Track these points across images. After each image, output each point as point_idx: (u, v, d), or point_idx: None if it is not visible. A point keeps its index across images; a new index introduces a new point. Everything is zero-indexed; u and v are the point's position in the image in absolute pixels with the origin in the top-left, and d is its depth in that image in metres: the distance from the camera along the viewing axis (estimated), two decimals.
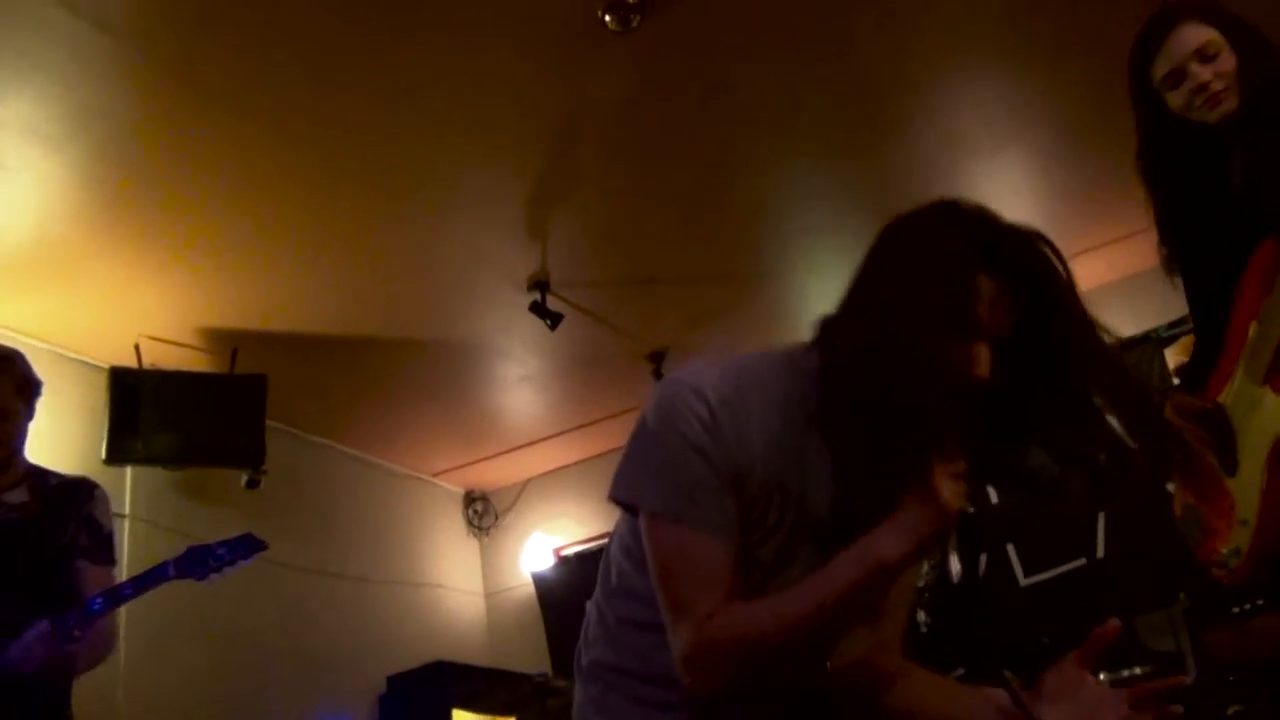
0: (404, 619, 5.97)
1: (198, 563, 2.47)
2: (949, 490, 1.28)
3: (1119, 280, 5.58)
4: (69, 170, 3.69)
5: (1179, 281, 2.36)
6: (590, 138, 4.02)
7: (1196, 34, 2.15)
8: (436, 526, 6.48)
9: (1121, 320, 5.52)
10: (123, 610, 4.41)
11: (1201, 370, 2.28)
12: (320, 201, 4.06)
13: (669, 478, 1.35)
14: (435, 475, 6.60)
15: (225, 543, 2.46)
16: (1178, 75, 2.17)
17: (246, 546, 2.44)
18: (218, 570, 2.47)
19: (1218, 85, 2.13)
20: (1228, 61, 2.13)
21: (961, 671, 4.56)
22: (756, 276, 5.17)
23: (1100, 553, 4.87)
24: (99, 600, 2.45)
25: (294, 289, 4.57)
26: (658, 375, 5.60)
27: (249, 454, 4.97)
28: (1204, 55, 2.14)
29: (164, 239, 4.14)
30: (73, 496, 2.68)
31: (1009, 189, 4.78)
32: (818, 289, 5.42)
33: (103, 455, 4.49)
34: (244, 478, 5.06)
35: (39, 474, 2.73)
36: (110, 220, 3.97)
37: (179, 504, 4.96)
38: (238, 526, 5.12)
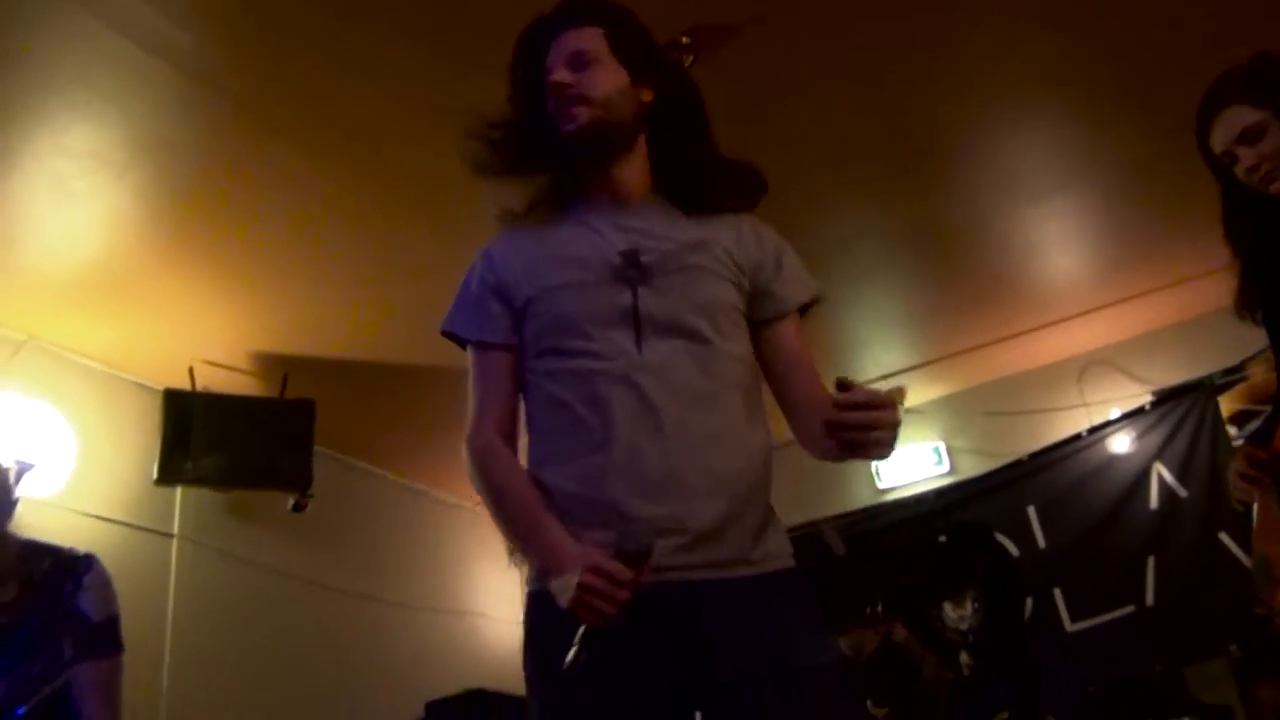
0: (444, 646, 5.99)
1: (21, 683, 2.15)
2: (573, 594, 1.46)
3: (1172, 325, 5.52)
4: (133, 198, 3.78)
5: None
6: None
7: (1241, 117, 2.17)
8: (479, 555, 6.49)
9: (1175, 366, 5.52)
10: (167, 632, 4.51)
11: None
12: (375, 232, 4.12)
13: (460, 307, 1.82)
14: (479, 504, 6.60)
15: (37, 660, 2.16)
16: (1230, 156, 2.21)
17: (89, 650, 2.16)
18: (36, 692, 2.12)
19: (1267, 166, 2.15)
20: (1274, 140, 2.14)
21: (1005, 716, 4.50)
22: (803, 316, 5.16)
23: (1150, 600, 4.78)
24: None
25: (346, 316, 4.63)
26: None
27: (296, 478, 5.02)
28: (1249, 137, 2.16)
29: (221, 265, 4.22)
30: (58, 588, 2.38)
31: (1061, 233, 4.75)
32: (863, 329, 5.41)
33: (154, 476, 4.57)
34: (291, 501, 5.11)
35: (33, 555, 2.45)
36: (170, 246, 4.06)
37: (227, 525, 5.03)
38: (283, 548, 5.23)
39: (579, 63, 1.75)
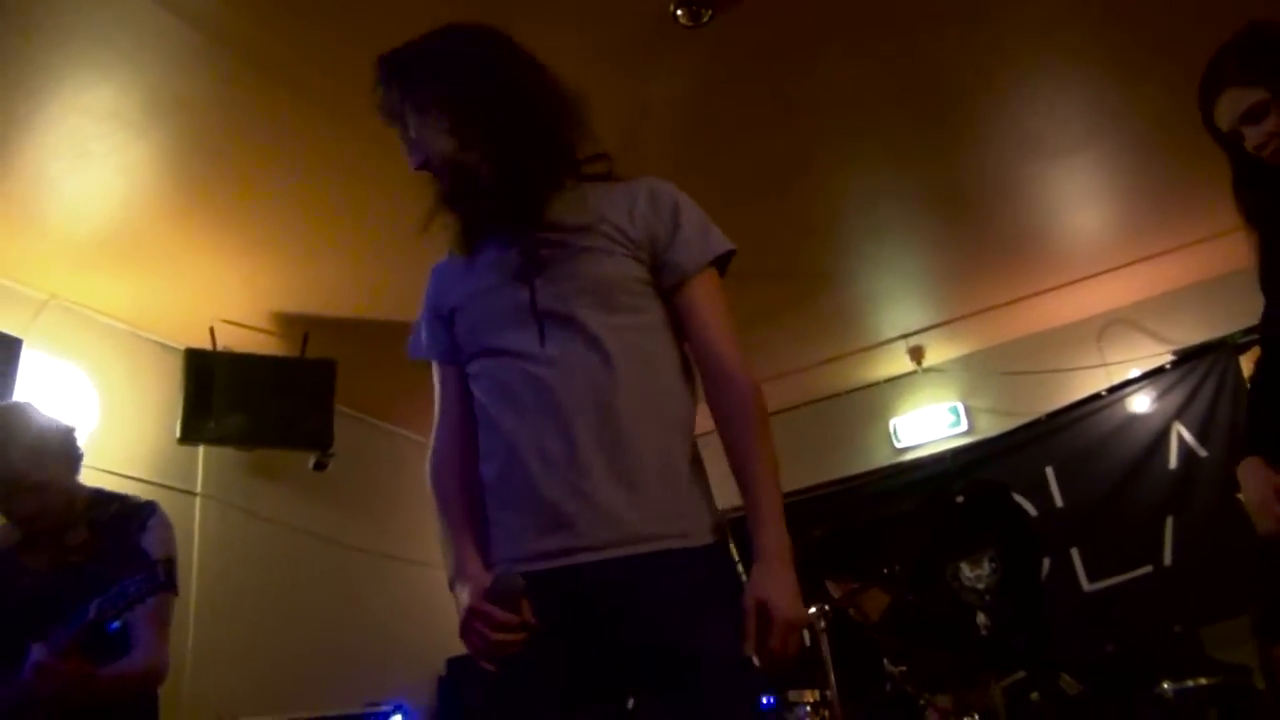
0: None
1: (117, 598, 2.26)
2: (460, 624, 1.72)
3: (1194, 285, 5.49)
4: (152, 158, 3.79)
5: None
6: (657, 133, 4.03)
7: (1242, 99, 2.17)
8: None
9: (1196, 325, 5.50)
10: (192, 588, 4.57)
11: None
12: (396, 192, 4.11)
13: (414, 329, 1.98)
14: None
15: (137, 578, 2.25)
16: (1236, 135, 2.21)
17: (154, 581, 2.23)
18: (129, 609, 2.26)
19: (1275, 143, 2.16)
20: (1278, 117, 2.14)
21: (1022, 675, 4.52)
22: (819, 276, 5.16)
23: (1168, 560, 4.78)
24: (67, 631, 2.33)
25: (366, 276, 4.65)
26: None
27: (317, 437, 5.07)
28: (1252, 117, 2.17)
29: (240, 225, 4.24)
30: (124, 529, 2.62)
31: (1083, 191, 4.70)
32: (883, 288, 5.40)
33: (177, 435, 4.62)
34: (312, 460, 5.16)
35: (101, 502, 2.69)
36: (190, 206, 4.07)
37: (249, 483, 5.08)
38: (305, 507, 5.28)
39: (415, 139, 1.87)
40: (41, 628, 2.32)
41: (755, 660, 1.57)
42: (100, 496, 2.70)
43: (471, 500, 1.82)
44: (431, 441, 1.92)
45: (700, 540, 1.69)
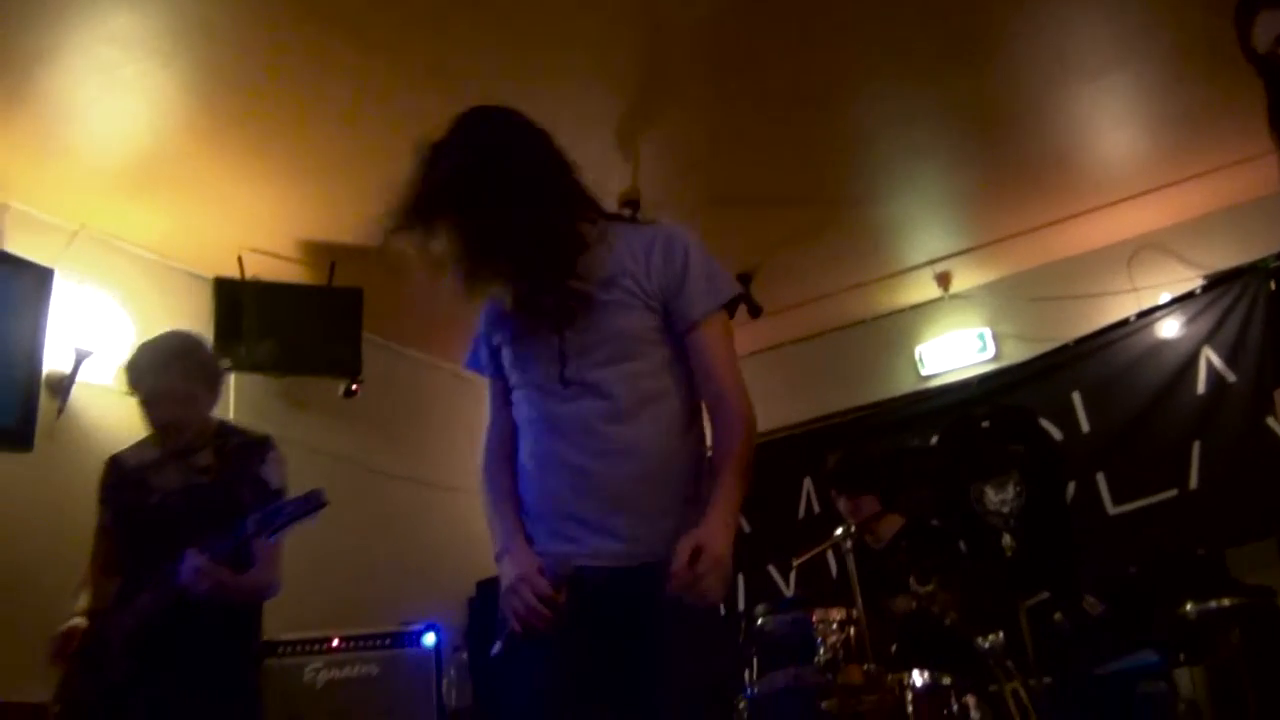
0: None
1: (273, 516, 2.61)
2: (505, 588, 2.00)
3: (1224, 209, 5.41)
4: (179, 85, 3.79)
5: None
6: (684, 55, 3.99)
7: (1277, 20, 2.13)
8: None
9: (1228, 249, 5.43)
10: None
11: None
12: (422, 119, 4.09)
13: (471, 346, 2.30)
14: None
15: (292, 502, 2.62)
16: (1272, 57, 2.18)
17: (310, 503, 2.60)
18: (286, 526, 2.60)
19: None
20: None
21: (1046, 596, 4.57)
22: (848, 199, 5.12)
23: (1194, 484, 4.79)
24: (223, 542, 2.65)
25: (391, 204, 4.65)
26: (746, 296, 5.60)
27: (346, 364, 5.12)
28: None
29: (267, 153, 4.24)
30: (248, 457, 2.93)
31: (1116, 113, 4.63)
32: (911, 214, 5.35)
33: None
34: (341, 387, 5.22)
35: (225, 433, 3.01)
36: (216, 134, 4.08)
37: (280, 411, 5.14)
38: (335, 433, 5.35)
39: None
40: (170, 539, 2.68)
41: (672, 583, 1.80)
42: (225, 428, 3.03)
43: (515, 491, 2.11)
44: (484, 440, 2.23)
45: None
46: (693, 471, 2.02)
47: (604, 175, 4.54)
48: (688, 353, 2.06)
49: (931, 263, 5.83)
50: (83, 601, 2.86)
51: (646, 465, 1.97)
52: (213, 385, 3.02)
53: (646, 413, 2.00)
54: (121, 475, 2.96)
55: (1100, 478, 5.02)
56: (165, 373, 2.89)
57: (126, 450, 3.02)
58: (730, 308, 2.11)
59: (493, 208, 1.97)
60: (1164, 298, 5.22)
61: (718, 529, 1.86)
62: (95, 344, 4.39)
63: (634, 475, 1.96)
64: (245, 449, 2.95)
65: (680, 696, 1.86)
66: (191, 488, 2.86)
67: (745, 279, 5.57)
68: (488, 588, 5.69)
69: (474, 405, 6.36)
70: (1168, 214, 5.47)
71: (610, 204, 4.64)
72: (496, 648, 1.97)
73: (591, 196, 2.13)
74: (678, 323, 2.05)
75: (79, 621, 2.80)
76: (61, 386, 4.31)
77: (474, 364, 2.29)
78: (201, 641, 2.72)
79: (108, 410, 4.46)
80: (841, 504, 4.22)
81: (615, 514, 1.94)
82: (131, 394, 2.93)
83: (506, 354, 2.15)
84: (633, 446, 1.97)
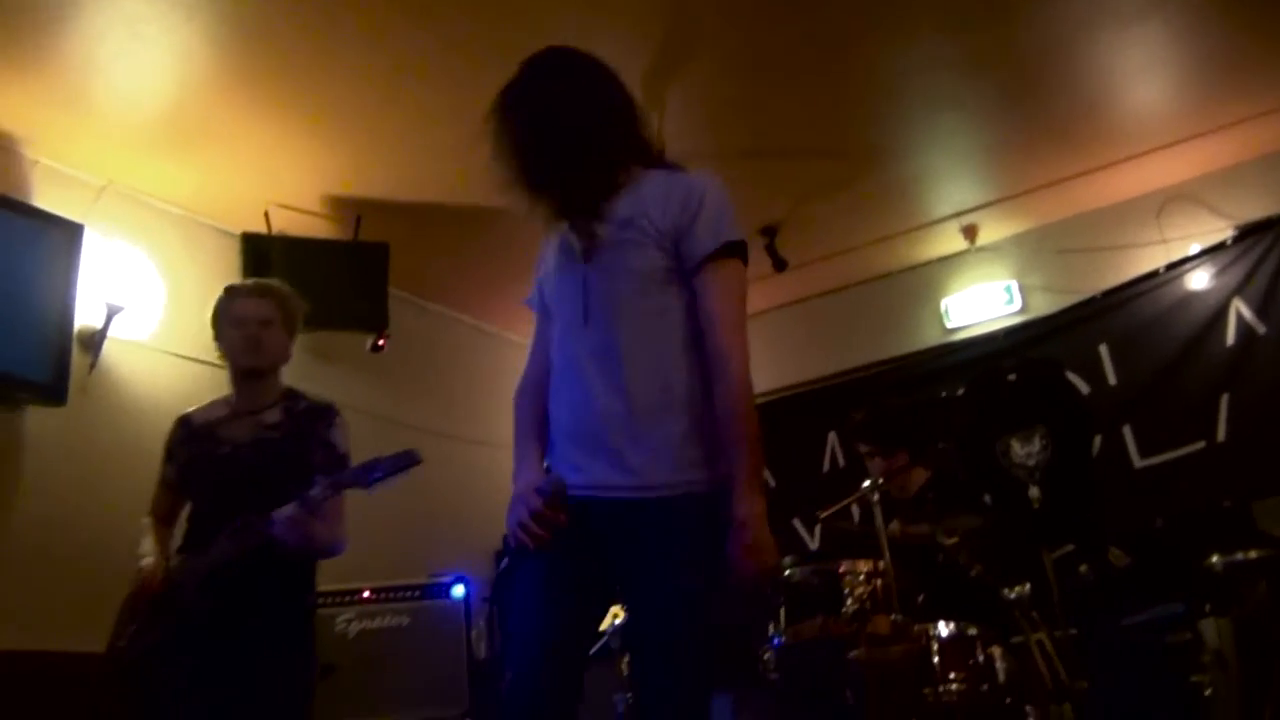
0: None
1: (368, 472, 2.77)
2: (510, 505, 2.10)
3: (1258, 158, 5.34)
4: (203, 40, 3.78)
5: None
6: (708, 6, 3.96)
7: None
8: None
9: (1260, 200, 5.36)
10: None
11: None
12: (447, 74, 4.09)
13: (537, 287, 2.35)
14: None
15: (390, 457, 2.78)
16: None
17: (406, 460, 2.79)
18: (381, 480, 2.76)
19: None
20: None
21: (1071, 548, 4.58)
22: (874, 151, 5.07)
23: (1222, 436, 4.77)
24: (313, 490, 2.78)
25: (416, 159, 4.65)
26: (771, 250, 5.58)
27: (373, 319, 5.14)
28: None
29: (292, 108, 4.24)
30: (316, 420, 3.04)
31: (1146, 61, 4.55)
32: (938, 166, 5.31)
33: None
34: (368, 342, 5.25)
35: (292, 396, 3.10)
36: (241, 89, 4.08)
37: (308, 365, 5.14)
38: (363, 388, 5.39)
39: None
40: (240, 490, 2.85)
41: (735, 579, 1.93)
42: (293, 391, 3.13)
43: (541, 421, 2.21)
44: (523, 370, 2.32)
45: (690, 490, 2.00)
46: (697, 409, 2.05)
47: None
48: (696, 295, 2.11)
49: (958, 215, 5.79)
50: (147, 545, 2.95)
51: (649, 401, 2.02)
52: (291, 330, 3.16)
53: (652, 350, 2.06)
54: (190, 431, 3.05)
55: (1127, 430, 5.01)
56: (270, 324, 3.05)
57: (195, 410, 3.11)
58: (744, 256, 2.14)
59: (553, 153, 2.10)
60: (1194, 249, 5.16)
61: (751, 513, 1.93)
62: (126, 299, 4.43)
63: (637, 410, 2.02)
64: (313, 412, 3.06)
65: (664, 600, 1.93)
66: (261, 441, 2.97)
67: (770, 232, 5.55)
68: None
69: (499, 360, 6.41)
70: (1198, 164, 5.40)
71: None
72: (504, 563, 2.11)
73: (647, 141, 2.21)
74: (686, 262, 2.10)
75: (152, 562, 2.89)
76: (93, 342, 4.36)
77: (530, 300, 2.38)
78: (272, 590, 2.85)
79: (139, 365, 4.52)
80: (871, 459, 4.22)
81: (618, 448, 2.01)
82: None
83: (547, 292, 2.26)
84: (637, 383, 2.03)
